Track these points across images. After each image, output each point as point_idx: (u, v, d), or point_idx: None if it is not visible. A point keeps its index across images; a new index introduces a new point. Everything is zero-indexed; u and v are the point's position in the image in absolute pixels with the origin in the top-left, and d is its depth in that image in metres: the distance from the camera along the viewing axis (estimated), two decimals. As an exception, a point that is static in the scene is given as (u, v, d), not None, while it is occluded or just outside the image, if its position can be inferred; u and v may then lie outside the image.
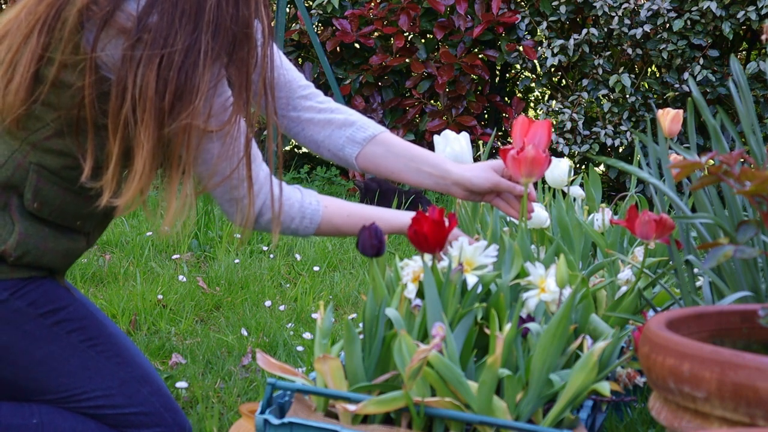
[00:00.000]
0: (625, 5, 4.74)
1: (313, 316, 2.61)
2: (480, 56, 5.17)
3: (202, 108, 1.35)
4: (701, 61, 4.70)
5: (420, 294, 1.34)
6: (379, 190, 4.26)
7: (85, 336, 1.50)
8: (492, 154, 4.81)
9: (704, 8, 4.60)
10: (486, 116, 5.62)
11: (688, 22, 4.66)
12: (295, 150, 6.07)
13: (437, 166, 1.64)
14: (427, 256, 1.37)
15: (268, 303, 2.72)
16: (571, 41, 4.87)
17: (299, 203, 1.53)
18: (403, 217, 1.56)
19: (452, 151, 1.72)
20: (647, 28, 4.70)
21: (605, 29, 4.86)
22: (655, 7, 4.67)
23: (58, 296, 1.50)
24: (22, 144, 1.41)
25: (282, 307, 2.70)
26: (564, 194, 2.06)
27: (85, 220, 1.49)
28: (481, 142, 4.97)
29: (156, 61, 1.32)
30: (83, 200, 1.45)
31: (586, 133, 4.89)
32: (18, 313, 1.44)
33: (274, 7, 5.16)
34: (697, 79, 4.65)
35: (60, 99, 1.38)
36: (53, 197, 1.43)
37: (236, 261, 3.17)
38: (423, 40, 5.33)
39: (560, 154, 4.78)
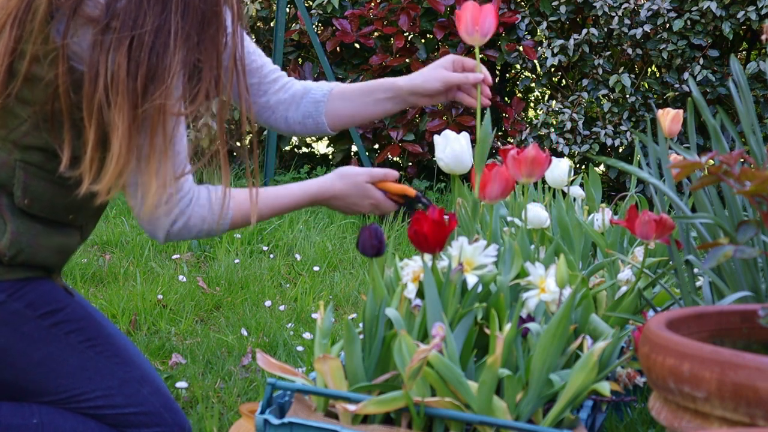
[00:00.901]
0: (625, 5, 4.74)
1: (313, 316, 2.61)
2: (480, 56, 5.17)
3: (174, 89, 1.34)
4: (701, 61, 4.70)
5: (420, 294, 1.34)
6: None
7: (83, 337, 1.49)
8: (492, 154, 4.81)
9: (704, 8, 4.60)
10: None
11: (688, 22, 4.66)
12: (295, 150, 6.07)
13: (388, 87, 1.68)
14: (427, 256, 1.37)
15: (268, 303, 2.72)
16: (571, 41, 4.87)
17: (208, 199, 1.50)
18: (312, 185, 1.58)
19: (452, 151, 1.72)
20: (647, 28, 4.70)
21: (605, 29, 4.86)
22: (655, 7, 4.67)
23: (56, 297, 1.49)
24: (5, 143, 1.42)
25: (282, 307, 2.70)
26: (564, 194, 2.06)
27: (77, 213, 1.49)
28: (481, 142, 4.97)
29: (126, 43, 1.32)
30: (73, 192, 1.44)
31: (586, 133, 4.89)
32: (16, 315, 1.44)
33: (274, 7, 5.16)
34: (697, 79, 4.65)
35: (34, 93, 1.38)
36: (42, 192, 1.43)
37: (236, 261, 3.17)
38: (423, 40, 5.33)
39: (560, 154, 4.78)
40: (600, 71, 4.89)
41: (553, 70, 5.10)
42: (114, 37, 1.32)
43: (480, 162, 1.58)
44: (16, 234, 1.42)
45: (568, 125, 4.87)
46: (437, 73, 1.65)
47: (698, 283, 1.60)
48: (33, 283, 1.47)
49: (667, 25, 4.71)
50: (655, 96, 4.92)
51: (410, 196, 1.60)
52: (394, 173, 1.61)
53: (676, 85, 4.77)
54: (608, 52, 4.92)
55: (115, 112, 1.32)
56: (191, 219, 1.45)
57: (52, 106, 1.38)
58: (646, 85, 4.98)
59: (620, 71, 4.87)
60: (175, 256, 3.23)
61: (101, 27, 1.32)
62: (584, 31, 4.87)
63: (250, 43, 1.67)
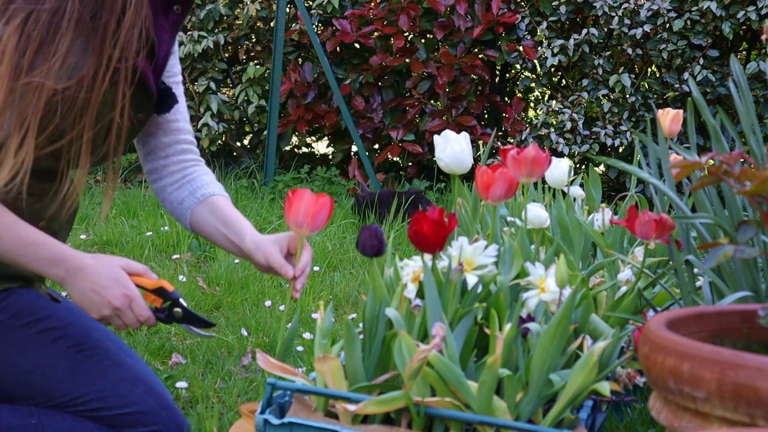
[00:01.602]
0: (625, 5, 4.74)
1: (313, 316, 2.61)
2: (480, 56, 5.17)
3: (57, 69, 1.34)
4: (701, 61, 4.70)
5: (420, 294, 1.34)
6: (377, 193, 4.25)
7: (71, 342, 1.50)
8: (492, 154, 4.81)
9: (704, 8, 4.60)
10: (486, 116, 5.62)
11: (688, 22, 4.66)
12: (295, 150, 6.07)
13: (238, 233, 1.57)
14: (427, 256, 1.37)
15: (268, 303, 2.72)
16: (571, 41, 4.87)
17: None
18: (62, 245, 1.40)
19: (452, 151, 1.72)
20: (647, 28, 4.70)
21: (605, 29, 4.86)
22: (655, 7, 4.67)
23: (40, 306, 1.50)
24: None
25: (282, 307, 2.70)
26: (564, 194, 2.06)
27: (47, 220, 1.48)
28: (481, 142, 4.96)
29: (22, 16, 1.32)
30: (35, 200, 1.43)
31: (586, 133, 4.89)
32: (1, 326, 1.45)
33: (274, 7, 5.16)
34: (697, 79, 4.65)
35: None
36: (6, 205, 1.39)
37: (236, 261, 3.17)
38: (423, 40, 5.33)
39: (560, 154, 4.78)
40: (600, 71, 4.89)
41: (553, 70, 5.10)
42: (12, 8, 1.32)
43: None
44: None
45: (568, 125, 4.87)
46: (269, 248, 1.52)
47: (698, 283, 1.60)
48: (15, 294, 1.47)
49: (667, 25, 4.71)
50: (655, 96, 4.92)
51: (167, 290, 1.45)
52: (153, 275, 1.47)
53: (676, 85, 4.77)
54: (608, 52, 4.92)
55: None
56: None
57: None
58: (646, 85, 4.98)
59: (620, 71, 4.87)
60: (175, 256, 3.23)
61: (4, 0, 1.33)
62: (584, 31, 4.87)
63: (183, 104, 1.65)
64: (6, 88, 1.32)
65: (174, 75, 1.65)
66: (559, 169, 2.06)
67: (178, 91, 1.65)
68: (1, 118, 1.32)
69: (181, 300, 1.47)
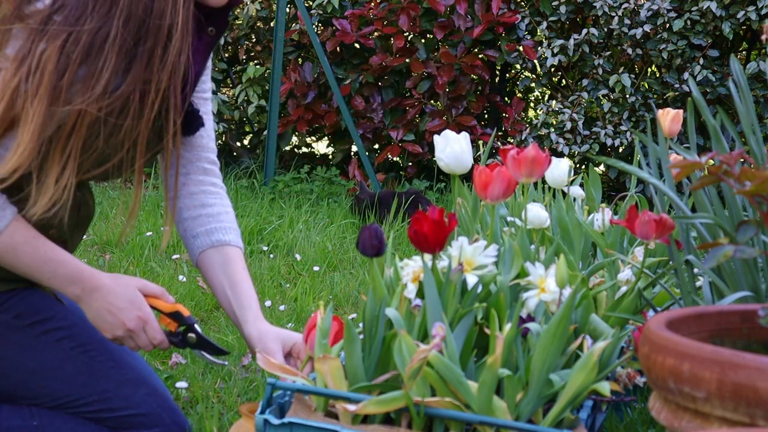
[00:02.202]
0: (625, 5, 4.74)
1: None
2: (480, 56, 5.17)
3: (99, 94, 1.31)
4: (701, 61, 4.70)
5: (420, 294, 1.34)
6: (377, 194, 4.25)
7: (75, 343, 1.49)
8: (492, 154, 4.81)
9: (704, 8, 4.60)
10: (486, 116, 5.62)
11: (688, 22, 4.66)
12: (295, 150, 6.06)
13: (242, 308, 1.54)
14: (427, 256, 1.37)
15: (268, 303, 2.72)
16: (571, 41, 4.87)
17: None
18: (82, 263, 1.41)
19: (452, 151, 1.72)
20: (647, 28, 4.70)
21: (605, 29, 4.86)
22: (655, 7, 4.67)
23: (45, 306, 1.49)
24: None
25: (282, 307, 2.70)
26: (564, 194, 2.06)
27: (57, 228, 1.47)
28: (481, 142, 4.96)
29: (63, 37, 1.29)
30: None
31: (586, 133, 4.89)
32: (4, 326, 1.45)
33: (274, 7, 5.15)
34: (697, 79, 4.65)
35: None
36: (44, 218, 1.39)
37: (236, 261, 3.16)
38: (423, 40, 5.33)
39: (560, 154, 4.78)
40: (600, 71, 4.89)
41: (553, 70, 5.10)
42: (52, 28, 1.29)
43: None
44: None
45: (568, 125, 4.87)
46: (271, 345, 1.48)
47: (698, 283, 1.60)
48: (20, 294, 1.47)
49: (667, 25, 4.71)
50: (655, 96, 4.92)
51: (183, 314, 1.45)
52: (171, 297, 1.47)
53: (676, 85, 4.77)
54: (608, 52, 4.92)
55: (35, 102, 1.28)
56: None
57: None
58: (646, 85, 4.98)
59: (620, 71, 4.87)
60: (175, 256, 3.23)
61: (43, 17, 1.30)
62: (584, 31, 4.87)
63: (210, 121, 1.62)
64: (44, 113, 1.28)
65: (203, 92, 1.62)
66: (559, 169, 2.06)
67: (206, 108, 1.61)
68: (38, 141, 1.29)
69: (196, 326, 1.48)
